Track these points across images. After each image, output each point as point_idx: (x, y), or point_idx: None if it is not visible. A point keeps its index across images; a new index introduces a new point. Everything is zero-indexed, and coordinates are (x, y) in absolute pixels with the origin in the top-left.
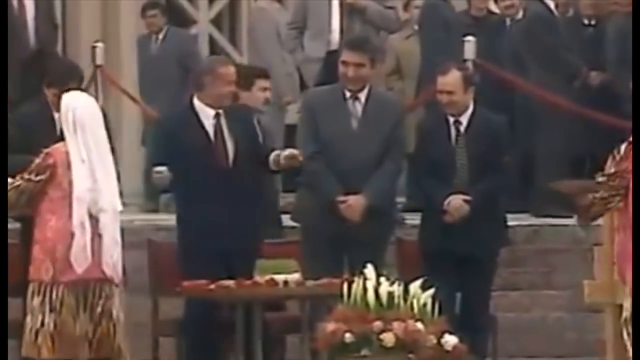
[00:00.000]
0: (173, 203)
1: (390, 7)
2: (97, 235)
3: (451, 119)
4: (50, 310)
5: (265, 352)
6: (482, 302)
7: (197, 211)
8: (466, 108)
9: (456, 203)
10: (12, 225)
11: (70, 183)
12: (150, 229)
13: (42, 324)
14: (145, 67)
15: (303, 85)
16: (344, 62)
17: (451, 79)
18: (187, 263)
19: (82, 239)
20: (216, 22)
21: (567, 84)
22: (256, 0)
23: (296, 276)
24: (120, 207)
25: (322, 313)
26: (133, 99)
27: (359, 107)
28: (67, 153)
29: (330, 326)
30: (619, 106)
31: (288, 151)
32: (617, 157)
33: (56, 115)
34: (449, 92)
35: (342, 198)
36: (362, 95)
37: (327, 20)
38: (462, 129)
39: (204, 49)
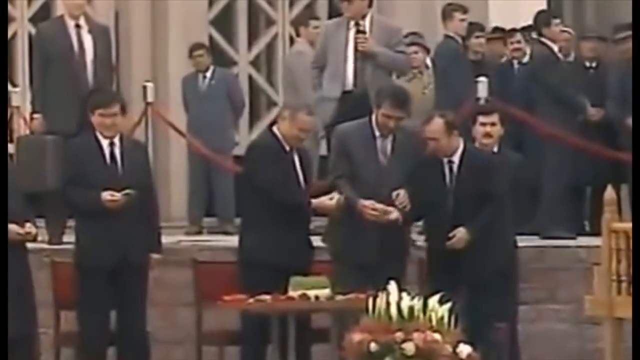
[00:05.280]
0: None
1: (401, 52)
2: None
3: (445, 160)
4: None
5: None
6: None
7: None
8: (456, 149)
9: (461, 235)
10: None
11: None
12: (194, 250)
13: None
14: (194, 104)
15: None
16: (387, 116)
17: (434, 126)
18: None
19: None
20: (255, 63)
21: (571, 119)
22: (292, 45)
23: (326, 292)
24: None
25: (349, 325)
26: (180, 132)
27: (387, 145)
28: None
29: (357, 336)
30: (616, 140)
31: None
32: None
33: (104, 143)
34: (434, 139)
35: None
36: (390, 134)
37: (343, 64)
38: (454, 168)
39: (243, 87)
